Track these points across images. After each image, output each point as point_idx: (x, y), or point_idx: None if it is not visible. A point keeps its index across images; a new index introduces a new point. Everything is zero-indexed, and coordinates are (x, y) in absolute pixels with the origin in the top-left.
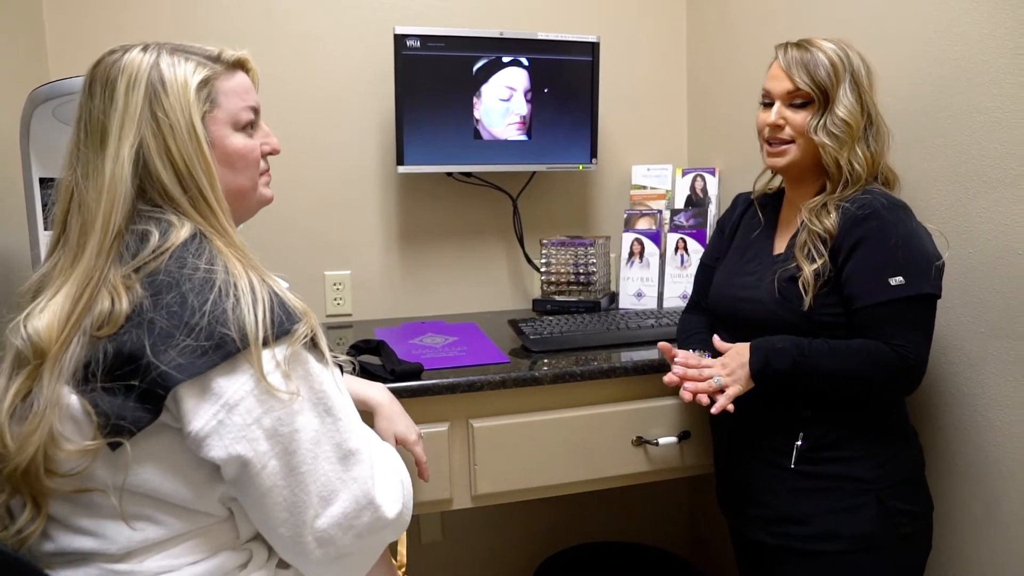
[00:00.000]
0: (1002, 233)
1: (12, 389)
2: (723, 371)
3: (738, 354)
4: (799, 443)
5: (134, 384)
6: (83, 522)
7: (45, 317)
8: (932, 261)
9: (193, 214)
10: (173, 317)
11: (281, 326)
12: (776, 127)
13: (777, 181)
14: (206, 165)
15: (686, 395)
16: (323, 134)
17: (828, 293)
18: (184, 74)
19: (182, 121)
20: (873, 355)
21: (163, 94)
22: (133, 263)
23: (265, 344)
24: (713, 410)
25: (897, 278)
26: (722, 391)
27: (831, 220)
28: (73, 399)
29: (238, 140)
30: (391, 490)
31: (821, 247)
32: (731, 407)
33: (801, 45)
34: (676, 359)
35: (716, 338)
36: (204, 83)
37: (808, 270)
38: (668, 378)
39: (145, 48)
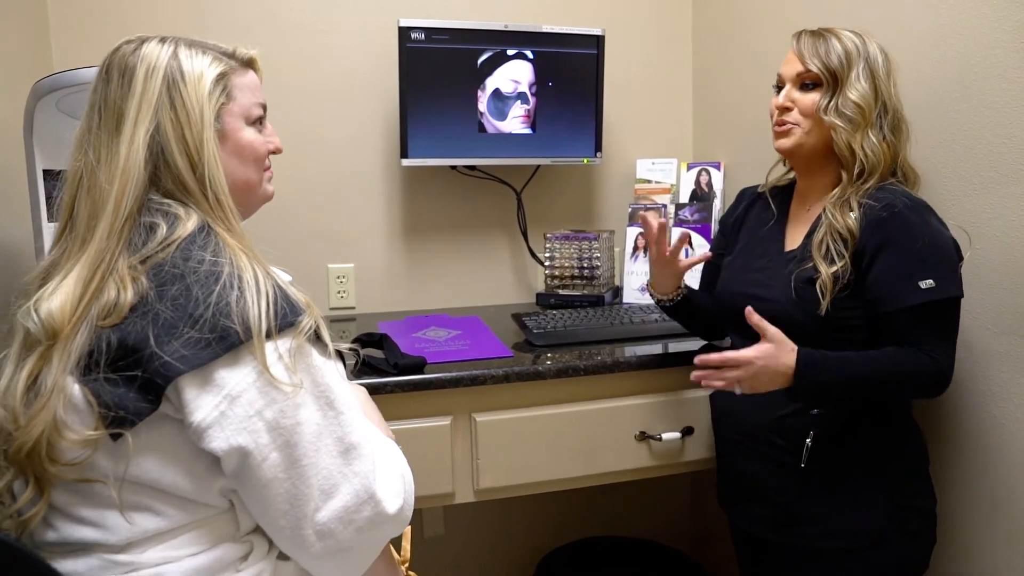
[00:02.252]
0: (1011, 229)
1: (24, 371)
2: (751, 382)
3: (770, 362)
4: (809, 441)
5: (136, 375)
6: (85, 512)
7: (57, 299)
8: (956, 262)
9: (203, 204)
10: (178, 309)
11: (285, 318)
12: (784, 109)
13: (791, 174)
14: (215, 157)
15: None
16: (327, 126)
17: (848, 296)
18: (201, 67)
19: (197, 111)
20: (914, 366)
21: (182, 83)
22: (140, 254)
23: (268, 336)
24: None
25: (927, 281)
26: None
27: (853, 219)
28: (76, 389)
29: (250, 133)
30: (392, 485)
31: (841, 247)
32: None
33: (817, 32)
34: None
35: (752, 314)
36: (221, 77)
37: (827, 272)
38: (695, 375)
39: (163, 40)
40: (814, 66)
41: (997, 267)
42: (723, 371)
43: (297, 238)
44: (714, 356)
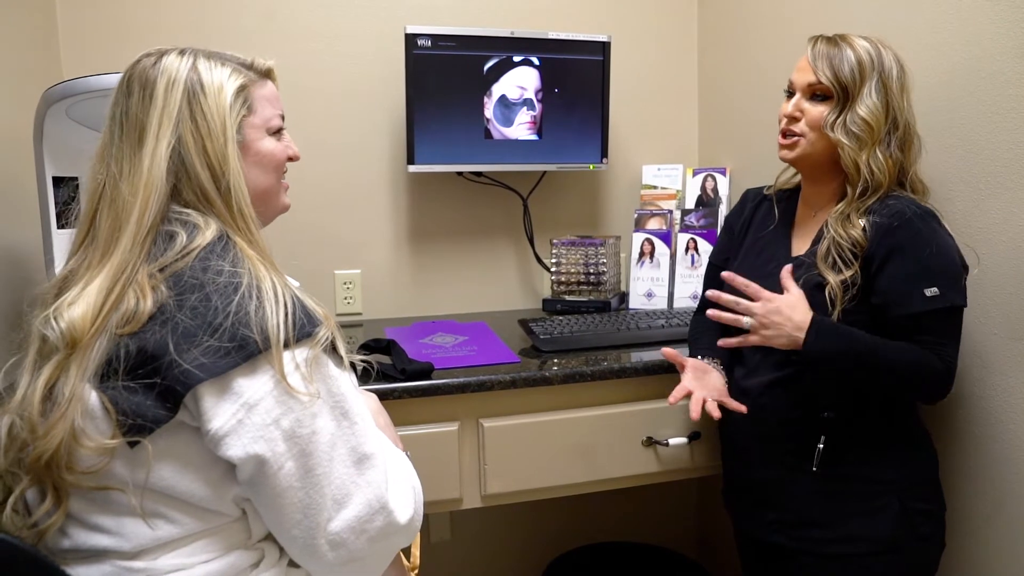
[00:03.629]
0: (1018, 234)
1: (41, 380)
2: (762, 320)
3: (791, 313)
4: (821, 445)
5: (155, 382)
6: (99, 519)
7: (79, 308)
8: (962, 272)
9: (224, 214)
10: (197, 317)
11: (302, 329)
12: (792, 119)
13: (798, 178)
14: (237, 168)
15: (695, 410)
16: (334, 133)
17: (855, 302)
18: (220, 79)
19: (218, 123)
20: (921, 358)
21: (202, 96)
22: (159, 263)
23: (286, 346)
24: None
25: (932, 288)
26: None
27: (857, 231)
28: (93, 396)
29: (270, 143)
30: (404, 496)
31: (849, 256)
32: (743, 408)
33: (832, 40)
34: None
35: (787, 276)
36: (241, 89)
37: (835, 280)
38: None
39: (182, 52)
40: (825, 78)
41: (1006, 272)
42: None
43: (304, 244)
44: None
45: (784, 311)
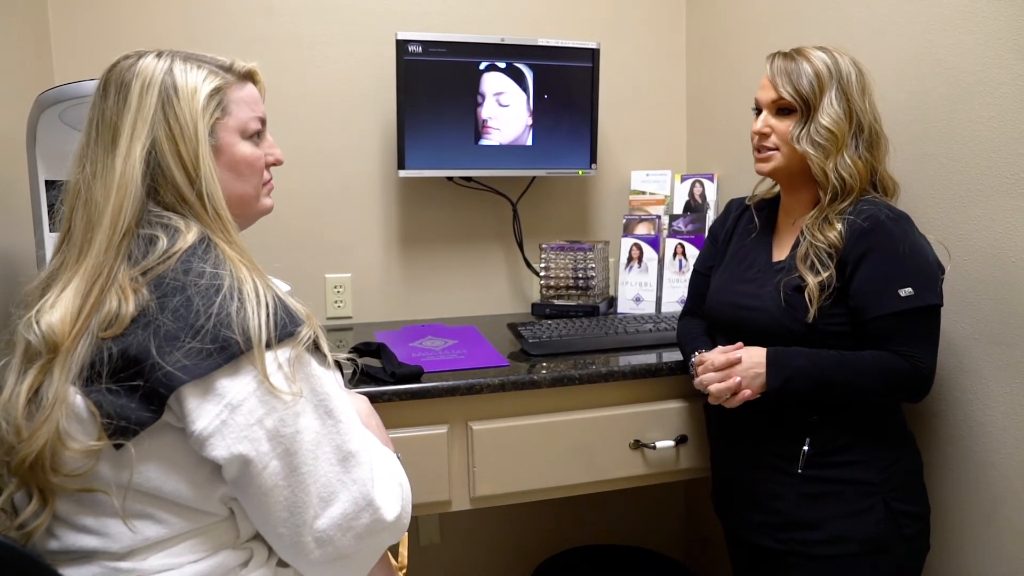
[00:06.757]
0: (997, 241)
1: (25, 383)
2: (741, 374)
3: (752, 363)
4: (806, 448)
5: (138, 384)
6: (87, 521)
7: (57, 312)
8: (936, 272)
9: (203, 216)
10: (179, 320)
11: (284, 328)
12: (762, 135)
13: (777, 188)
14: (212, 172)
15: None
16: (325, 138)
17: (833, 304)
18: (195, 81)
19: (191, 126)
20: (887, 367)
21: (175, 98)
22: (140, 267)
23: (268, 346)
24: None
25: (906, 289)
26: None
27: (834, 233)
28: (78, 399)
29: (246, 148)
30: (390, 493)
31: (826, 258)
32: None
33: (789, 55)
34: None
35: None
36: (216, 91)
37: (813, 282)
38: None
39: (159, 55)
40: (786, 93)
41: (984, 278)
42: (730, 380)
43: (295, 248)
44: (719, 360)
45: (745, 359)
